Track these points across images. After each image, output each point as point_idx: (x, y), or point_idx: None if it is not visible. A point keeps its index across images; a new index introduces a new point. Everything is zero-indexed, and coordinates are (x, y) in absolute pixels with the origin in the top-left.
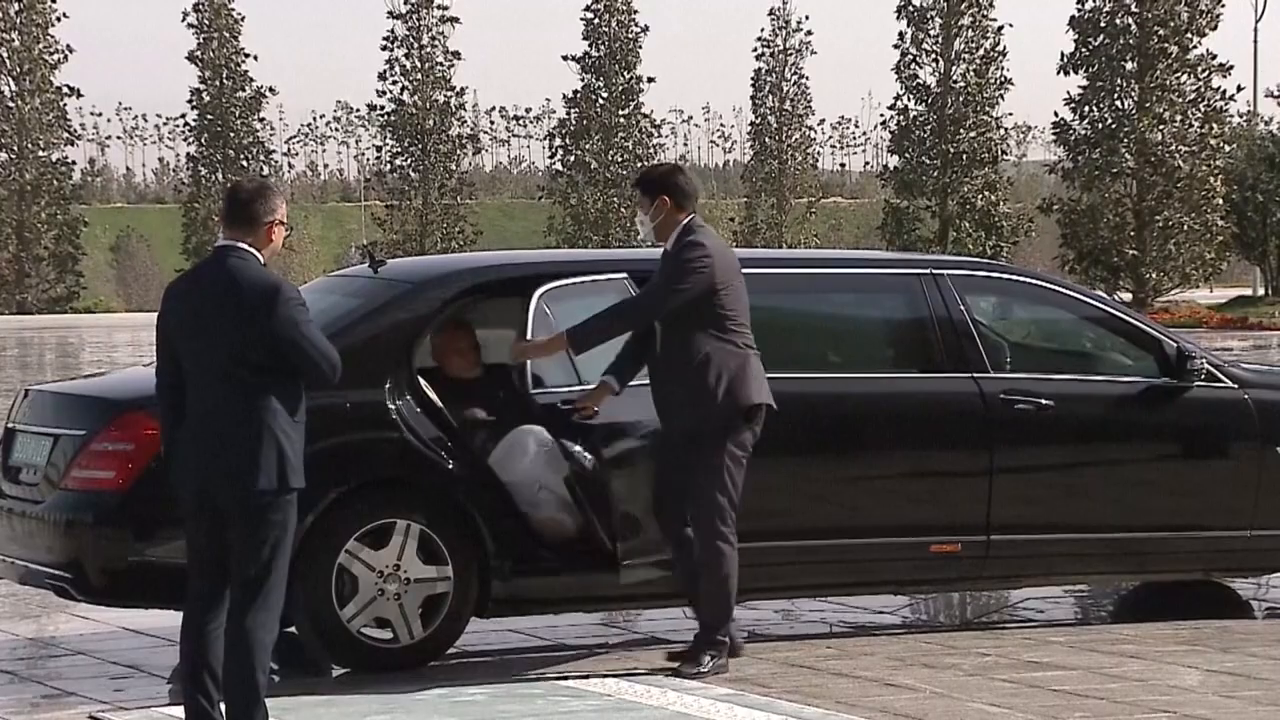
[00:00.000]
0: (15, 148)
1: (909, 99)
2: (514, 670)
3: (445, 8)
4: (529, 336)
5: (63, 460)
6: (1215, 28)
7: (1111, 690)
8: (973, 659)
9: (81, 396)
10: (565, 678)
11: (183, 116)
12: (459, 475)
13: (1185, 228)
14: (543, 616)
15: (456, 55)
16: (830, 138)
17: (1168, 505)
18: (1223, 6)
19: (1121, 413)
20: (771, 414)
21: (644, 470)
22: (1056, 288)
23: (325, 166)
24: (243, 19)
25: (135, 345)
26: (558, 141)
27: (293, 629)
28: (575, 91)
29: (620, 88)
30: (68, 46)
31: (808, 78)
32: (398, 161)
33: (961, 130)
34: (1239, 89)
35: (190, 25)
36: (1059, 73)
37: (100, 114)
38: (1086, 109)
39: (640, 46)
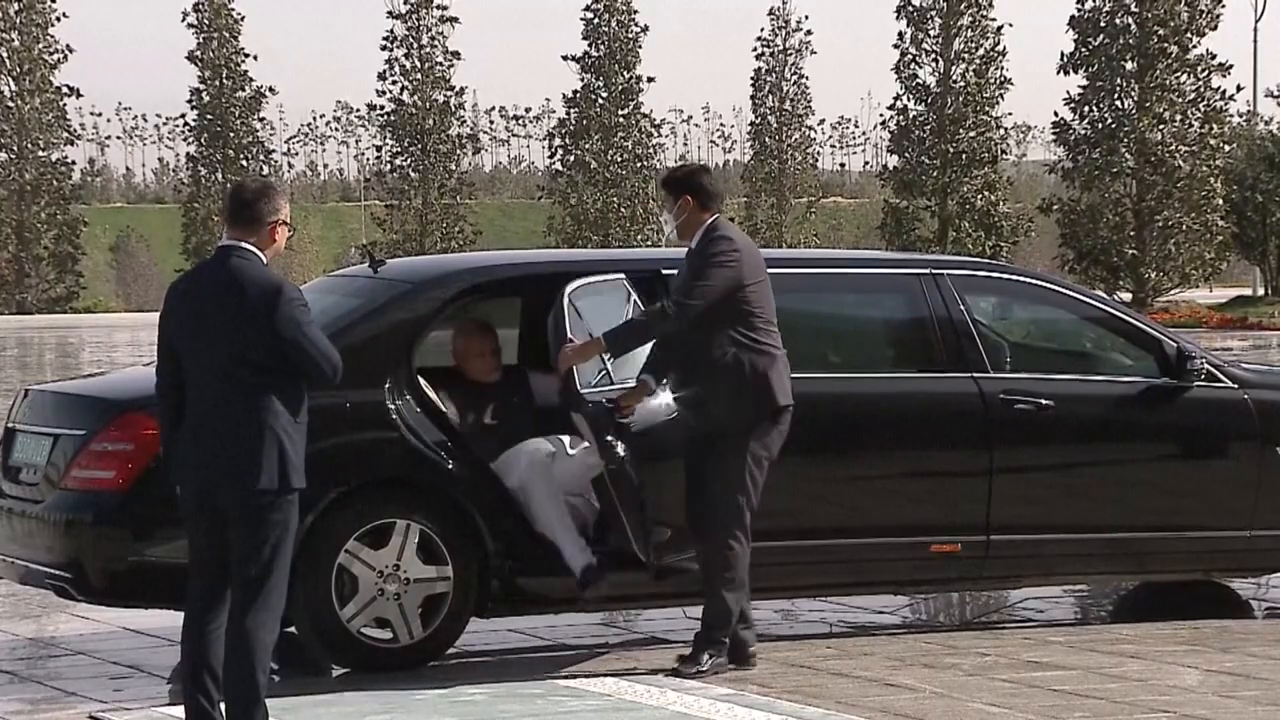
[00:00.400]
0: (15, 148)
1: (909, 99)
2: (514, 670)
3: (445, 8)
4: (569, 337)
5: (63, 460)
6: (1215, 27)
7: (1111, 690)
8: (972, 659)
9: (81, 396)
10: (565, 678)
11: (182, 116)
12: (459, 475)
13: (1185, 228)
14: (542, 616)
15: (456, 55)
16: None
17: (1167, 505)
18: (1222, 6)
19: (1121, 413)
20: None
21: (677, 469)
22: (1056, 288)
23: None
24: (242, 19)
25: (135, 345)
26: (557, 141)
27: (293, 629)
28: (575, 91)
29: (620, 87)
30: (67, 46)
31: (807, 77)
32: (397, 161)
33: (961, 130)
34: (1239, 89)
35: (190, 25)
36: (1059, 72)
37: (100, 114)
38: (1086, 109)
39: (640, 46)
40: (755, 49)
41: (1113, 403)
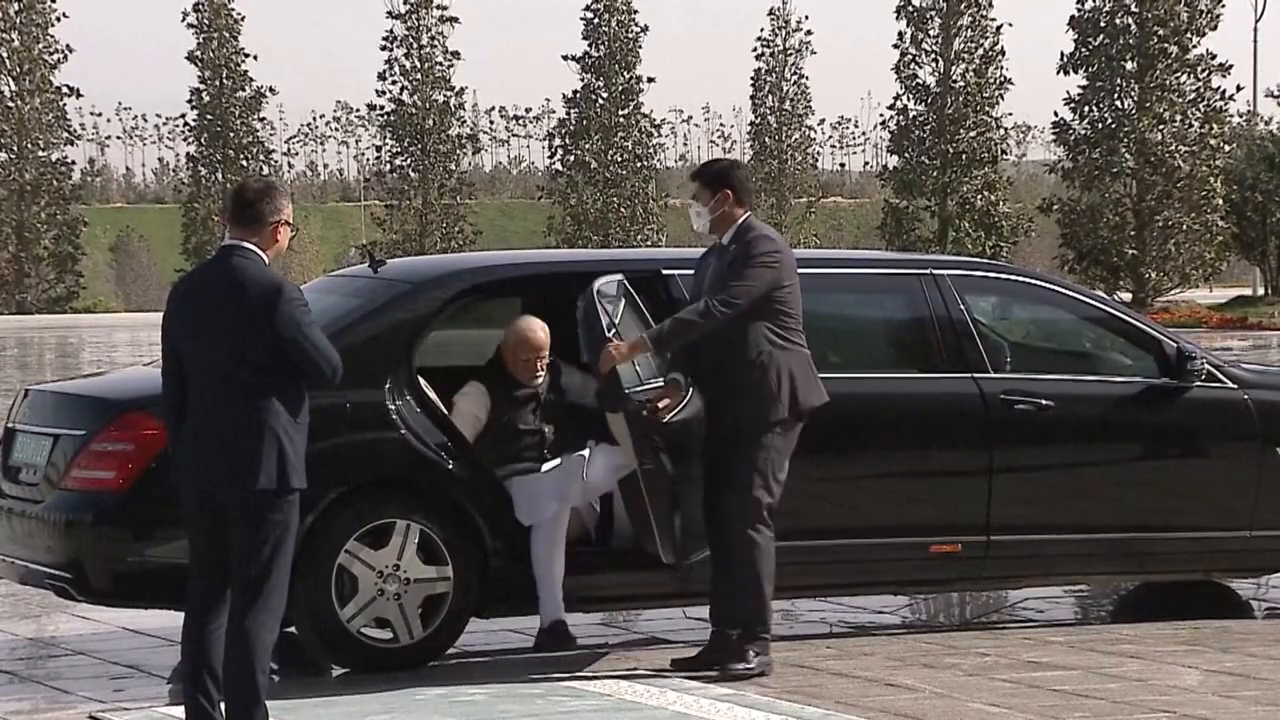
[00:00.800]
0: (15, 148)
1: (908, 99)
2: (514, 670)
3: (445, 8)
4: (609, 334)
5: (62, 460)
6: (1215, 27)
7: (1111, 690)
8: (972, 659)
9: (81, 396)
10: (565, 678)
11: (182, 116)
12: (459, 475)
13: (1185, 228)
14: None
15: (456, 55)
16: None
17: (1167, 505)
18: (1222, 6)
19: (1121, 413)
20: None
21: (699, 467)
22: (1056, 288)
23: (325, 166)
24: (242, 19)
25: (135, 345)
26: (557, 141)
27: (293, 629)
28: (575, 91)
29: (620, 87)
30: (67, 46)
31: (807, 77)
32: (397, 161)
33: (961, 130)
34: (1239, 89)
35: (190, 25)
36: (1059, 72)
37: (100, 114)
38: (1086, 109)
39: (640, 46)
40: (755, 49)
41: (1113, 403)
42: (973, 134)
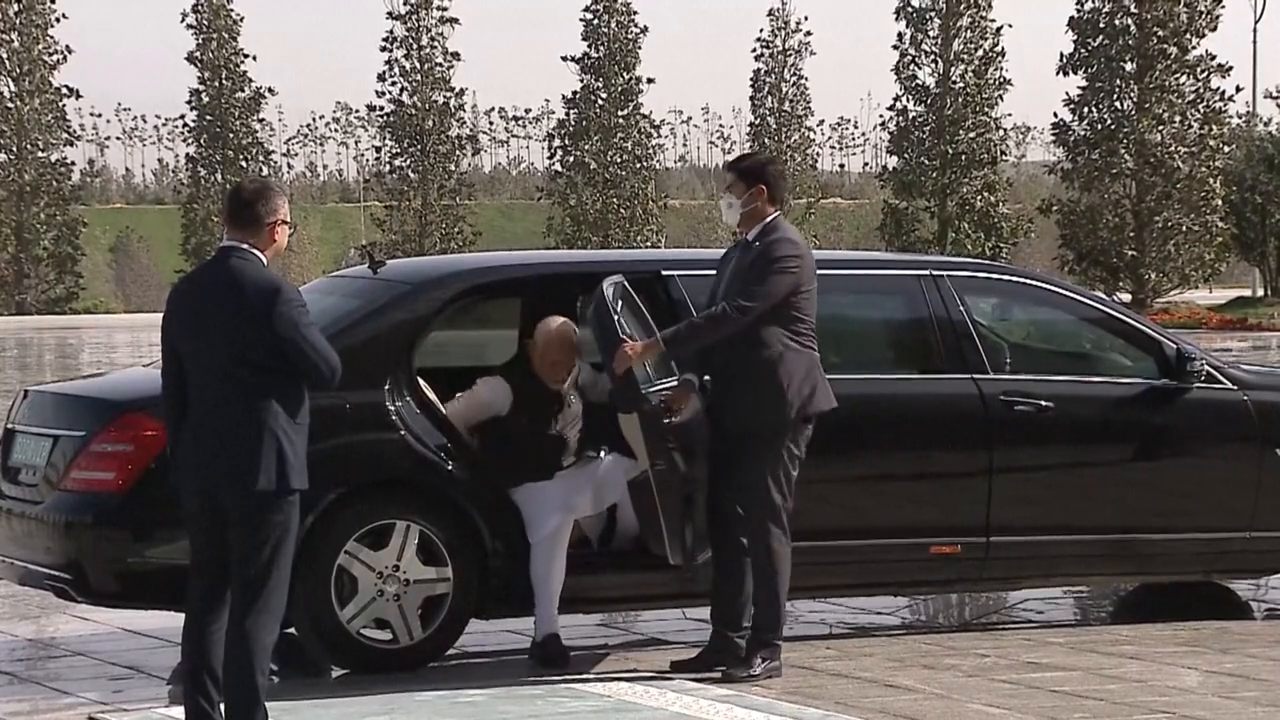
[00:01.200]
0: (14, 148)
1: (908, 100)
2: (514, 671)
3: (444, 9)
4: (623, 335)
5: (62, 461)
6: (1214, 28)
7: (1111, 691)
8: (972, 660)
9: (81, 397)
10: (565, 679)
11: (182, 117)
12: (458, 476)
13: (1184, 229)
14: None
15: (456, 56)
16: (829, 138)
17: (1167, 506)
18: (1222, 7)
19: (1121, 414)
20: None
21: (705, 468)
22: (1056, 289)
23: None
24: (242, 19)
25: (135, 346)
26: (557, 142)
27: (292, 630)
28: (574, 92)
29: (619, 88)
30: (67, 47)
31: (807, 78)
32: (397, 162)
33: (960, 131)
34: (1238, 90)
35: (189, 26)
36: (1058, 73)
37: (99, 115)
38: (1086, 110)
39: (639, 47)
40: (754, 50)
41: (1112, 404)
42: (972, 135)
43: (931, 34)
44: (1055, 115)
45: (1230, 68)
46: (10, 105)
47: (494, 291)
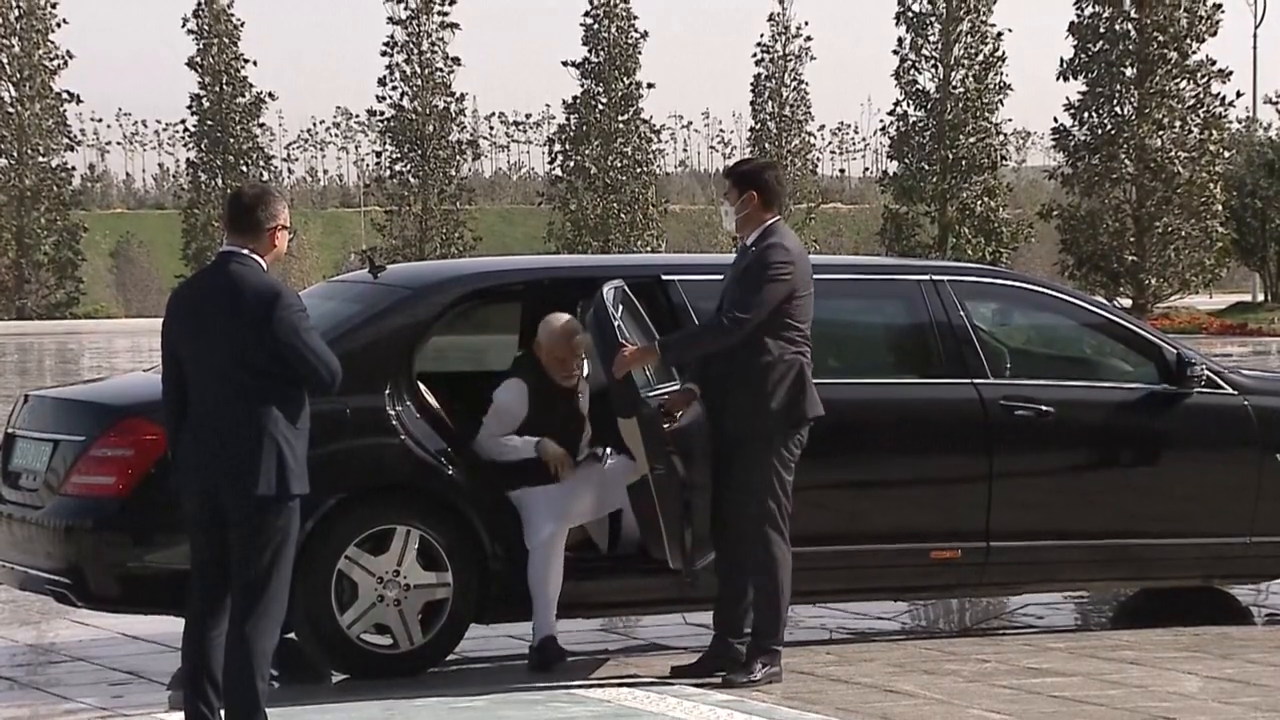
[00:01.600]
0: (15, 153)
1: (908, 104)
2: (514, 676)
3: (445, 13)
4: (623, 340)
5: (62, 466)
6: (1215, 33)
7: (1111, 696)
8: (972, 665)
9: (81, 402)
10: (565, 684)
11: (182, 122)
12: (459, 481)
13: (1185, 234)
14: None
15: (456, 61)
16: (829, 143)
17: (1167, 511)
18: (1222, 12)
19: (1121, 419)
20: None
21: (705, 472)
22: (1056, 294)
23: (325, 172)
24: (242, 25)
25: (135, 351)
26: (557, 147)
27: (292, 635)
28: (575, 97)
29: (620, 93)
30: (68, 52)
31: (807, 83)
32: (397, 167)
33: (961, 136)
34: (1238, 95)
35: (190, 31)
36: (1058, 78)
37: (100, 119)
38: (1086, 115)
39: (640, 52)
40: (755, 54)
41: (1113, 409)
42: (972, 140)
43: (932, 39)
44: (1055, 120)
45: (1230, 73)
46: (11, 110)
47: (494, 296)
